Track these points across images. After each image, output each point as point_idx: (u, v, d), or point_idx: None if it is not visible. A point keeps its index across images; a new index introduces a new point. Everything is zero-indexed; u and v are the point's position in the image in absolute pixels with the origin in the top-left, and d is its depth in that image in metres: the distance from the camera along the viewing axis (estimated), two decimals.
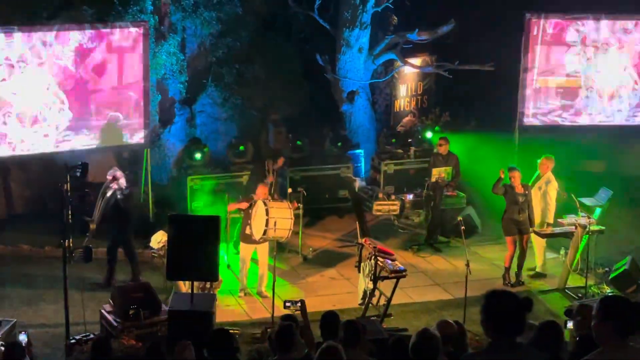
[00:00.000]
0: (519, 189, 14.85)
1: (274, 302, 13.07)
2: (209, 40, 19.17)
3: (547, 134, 18.08)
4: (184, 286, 12.73)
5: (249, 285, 14.54)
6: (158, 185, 17.79)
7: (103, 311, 11.88)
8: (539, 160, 15.39)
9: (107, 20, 16.84)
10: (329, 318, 8.78)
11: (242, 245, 14.35)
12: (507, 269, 15.11)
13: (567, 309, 10.59)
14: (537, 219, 15.17)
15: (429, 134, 19.88)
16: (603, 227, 14.87)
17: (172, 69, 18.40)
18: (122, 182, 14.25)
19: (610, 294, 6.14)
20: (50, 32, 15.51)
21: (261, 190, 14.06)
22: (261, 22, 19.82)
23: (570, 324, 8.72)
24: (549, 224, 15.27)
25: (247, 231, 14.08)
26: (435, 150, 17.57)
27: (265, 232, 13.61)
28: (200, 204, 16.77)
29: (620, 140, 18.83)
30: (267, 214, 13.55)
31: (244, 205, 14.24)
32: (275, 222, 13.55)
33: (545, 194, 15.29)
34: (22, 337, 10.78)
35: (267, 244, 14.13)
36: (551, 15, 17.93)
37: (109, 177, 14.24)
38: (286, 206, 14.02)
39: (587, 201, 15.33)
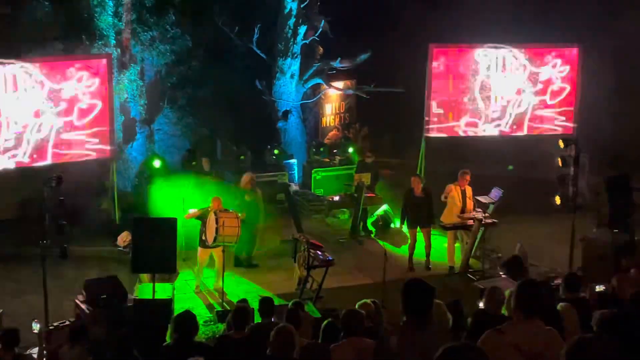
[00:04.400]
0: (418, 192, 15.00)
1: (224, 290, 13.05)
2: (165, 69, 19.08)
3: (448, 144, 18.31)
4: (147, 278, 12.62)
5: (205, 280, 14.34)
6: (123, 193, 17.61)
7: (77, 301, 11.71)
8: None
9: (76, 53, 16.65)
10: (266, 302, 8.91)
11: (199, 249, 14.08)
12: (410, 256, 15.24)
13: (481, 289, 10.64)
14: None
15: (350, 149, 20.07)
16: (496, 220, 15.10)
17: (133, 93, 18.27)
18: None
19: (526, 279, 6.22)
20: (28, 63, 15.32)
21: (214, 202, 13.92)
22: (209, 53, 19.77)
23: (481, 304, 8.77)
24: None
25: (203, 237, 13.86)
26: (361, 159, 17.76)
27: (215, 239, 13.42)
28: (160, 208, 16.67)
29: (510, 147, 19.10)
30: (217, 222, 13.38)
31: (197, 213, 14.11)
32: (224, 230, 13.36)
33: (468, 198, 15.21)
34: (35, 326, 10.48)
35: (221, 247, 13.81)
36: (450, 45, 18.18)
37: None
38: (234, 216, 13.73)
39: (482, 199, 15.52)
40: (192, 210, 14.34)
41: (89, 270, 14.19)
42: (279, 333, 6.51)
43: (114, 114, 16.96)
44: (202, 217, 13.94)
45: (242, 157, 19.01)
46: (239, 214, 13.92)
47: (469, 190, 15.12)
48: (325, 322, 7.63)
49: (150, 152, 18.74)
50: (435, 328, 5.73)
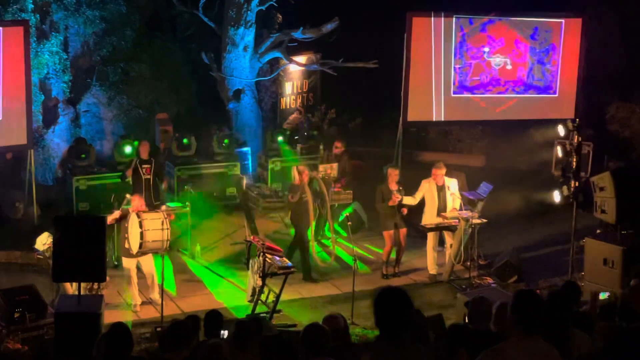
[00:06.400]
0: (394, 186, 15.00)
1: (163, 303, 12.97)
2: (93, 39, 18.93)
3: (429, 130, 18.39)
4: (71, 288, 12.48)
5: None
6: (43, 187, 17.43)
7: None
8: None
9: None
10: (212, 317, 8.81)
11: (124, 260, 13.79)
12: (385, 263, 15.26)
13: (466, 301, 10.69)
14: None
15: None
16: (485, 220, 15.12)
17: (55, 68, 18.12)
18: None
19: (524, 288, 6.09)
20: None
21: (137, 202, 13.66)
22: (146, 21, 19.66)
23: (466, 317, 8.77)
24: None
25: (126, 245, 13.49)
26: (321, 148, 17.75)
27: (141, 246, 13.12)
28: (87, 205, 16.53)
29: (501, 134, 19.20)
30: (140, 226, 13.06)
31: (117, 215, 13.77)
32: (147, 235, 13.05)
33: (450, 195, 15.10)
34: None
35: (150, 254, 13.57)
36: (435, 14, 18.19)
37: None
38: (160, 216, 13.40)
39: (469, 195, 15.55)
40: (112, 215, 14.02)
41: (0, 279, 14.03)
42: (207, 351, 6.49)
43: (32, 92, 16.76)
44: (122, 220, 13.66)
45: (185, 140, 18.77)
46: (167, 215, 13.70)
47: (453, 184, 15.09)
48: (273, 340, 7.57)
49: (75, 138, 18.57)
50: (415, 346, 5.71)
